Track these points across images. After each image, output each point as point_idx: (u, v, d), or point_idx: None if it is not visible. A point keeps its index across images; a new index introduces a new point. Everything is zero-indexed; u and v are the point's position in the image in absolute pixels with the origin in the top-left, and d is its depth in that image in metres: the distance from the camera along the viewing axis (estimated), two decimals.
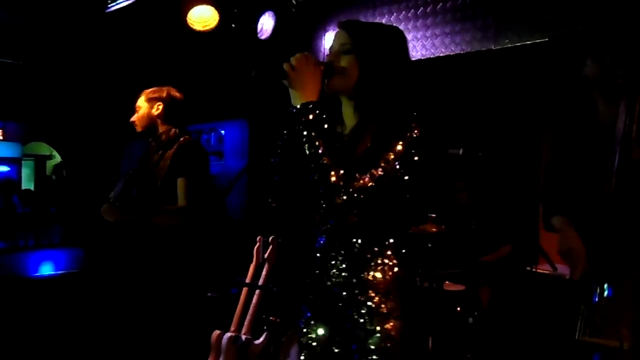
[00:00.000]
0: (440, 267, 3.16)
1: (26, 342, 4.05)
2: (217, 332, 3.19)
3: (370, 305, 1.65)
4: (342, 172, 1.59)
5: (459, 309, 3.16)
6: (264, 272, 3.28)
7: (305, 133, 1.60)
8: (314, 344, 1.72)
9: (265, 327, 3.22)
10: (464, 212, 3.47)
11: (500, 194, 3.66)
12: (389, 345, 1.63)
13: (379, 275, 1.66)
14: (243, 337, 3.16)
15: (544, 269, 3.06)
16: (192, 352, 2.91)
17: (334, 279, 1.70)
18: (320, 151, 1.59)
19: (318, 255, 1.74)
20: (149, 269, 2.91)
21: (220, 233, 3.05)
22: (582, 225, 2.18)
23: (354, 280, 1.67)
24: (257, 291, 3.22)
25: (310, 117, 1.61)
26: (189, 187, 2.85)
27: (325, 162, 1.59)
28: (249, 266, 3.35)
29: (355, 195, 1.59)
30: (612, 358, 1.95)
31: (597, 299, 2.00)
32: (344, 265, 1.69)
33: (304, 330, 1.75)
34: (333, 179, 1.59)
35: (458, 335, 3.13)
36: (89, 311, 4.24)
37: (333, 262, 1.70)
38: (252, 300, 3.23)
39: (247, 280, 3.30)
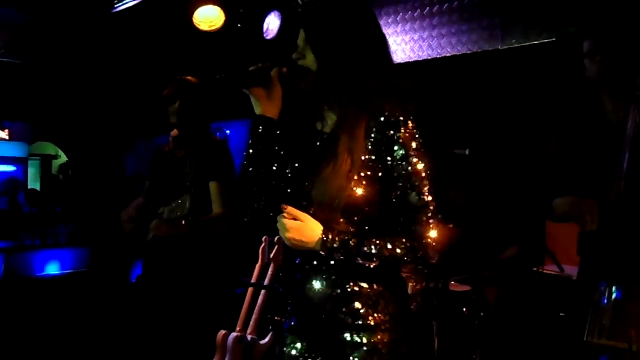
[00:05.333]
0: (446, 268, 3.15)
1: (32, 341, 4.06)
2: (222, 332, 3.19)
3: (356, 317, 1.52)
4: (353, 243, 1.50)
5: (465, 309, 3.15)
6: (269, 272, 3.27)
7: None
8: (295, 358, 1.60)
9: (270, 327, 3.22)
10: (464, 215, 3.46)
11: (507, 194, 3.64)
12: None
13: (365, 285, 1.54)
14: (248, 337, 3.15)
15: (550, 269, 3.04)
16: (197, 352, 2.91)
17: (317, 289, 1.57)
18: None
19: (297, 261, 1.63)
20: (157, 269, 2.91)
21: (226, 233, 3.04)
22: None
23: (338, 291, 1.55)
24: (263, 291, 3.22)
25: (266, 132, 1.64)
26: (223, 191, 2.78)
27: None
28: (255, 266, 3.35)
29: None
30: None
31: (605, 301, 1.99)
32: (326, 276, 1.56)
33: (287, 342, 1.63)
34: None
35: (464, 336, 3.12)
36: (95, 310, 4.25)
37: (315, 273, 1.58)
38: (257, 300, 3.23)
39: (253, 280, 3.29)
